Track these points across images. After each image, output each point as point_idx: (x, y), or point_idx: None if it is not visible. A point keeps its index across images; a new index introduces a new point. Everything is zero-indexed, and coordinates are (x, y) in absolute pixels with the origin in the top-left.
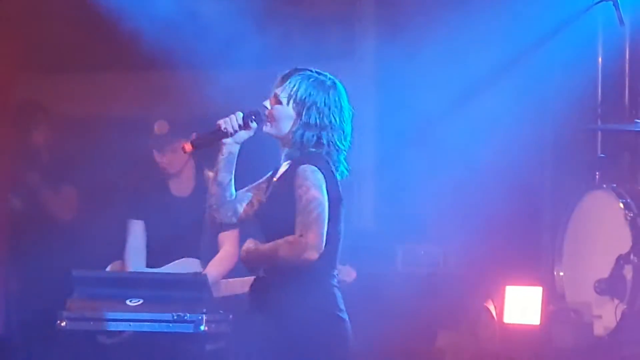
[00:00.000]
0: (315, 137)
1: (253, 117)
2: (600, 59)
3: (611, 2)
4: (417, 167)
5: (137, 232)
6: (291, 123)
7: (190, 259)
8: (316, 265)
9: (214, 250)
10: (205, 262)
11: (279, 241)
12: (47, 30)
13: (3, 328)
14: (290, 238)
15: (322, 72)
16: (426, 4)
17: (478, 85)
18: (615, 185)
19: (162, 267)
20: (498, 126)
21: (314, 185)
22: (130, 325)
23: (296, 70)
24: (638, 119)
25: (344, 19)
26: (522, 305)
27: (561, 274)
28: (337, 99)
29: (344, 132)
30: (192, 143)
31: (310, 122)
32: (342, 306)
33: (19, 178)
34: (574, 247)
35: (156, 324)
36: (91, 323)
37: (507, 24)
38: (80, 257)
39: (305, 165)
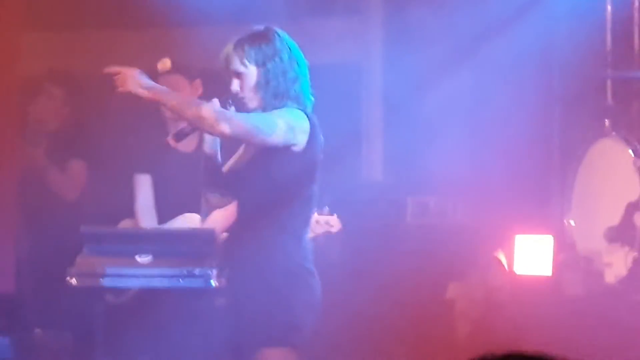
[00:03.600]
0: (286, 91)
1: (230, 102)
2: (609, 6)
3: None
4: (424, 118)
5: (145, 187)
6: (262, 88)
7: (191, 214)
8: (286, 217)
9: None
10: (204, 218)
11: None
12: None
13: (14, 286)
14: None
15: (253, 28)
16: None
17: (486, 34)
18: (624, 132)
19: (166, 223)
20: (506, 75)
21: (297, 121)
22: (140, 281)
23: (236, 43)
24: None
25: None
26: (532, 254)
27: (571, 222)
28: (285, 44)
29: (305, 79)
30: (174, 137)
31: (276, 79)
32: (311, 259)
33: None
34: (583, 196)
35: (166, 280)
36: (100, 279)
37: None
38: (90, 214)
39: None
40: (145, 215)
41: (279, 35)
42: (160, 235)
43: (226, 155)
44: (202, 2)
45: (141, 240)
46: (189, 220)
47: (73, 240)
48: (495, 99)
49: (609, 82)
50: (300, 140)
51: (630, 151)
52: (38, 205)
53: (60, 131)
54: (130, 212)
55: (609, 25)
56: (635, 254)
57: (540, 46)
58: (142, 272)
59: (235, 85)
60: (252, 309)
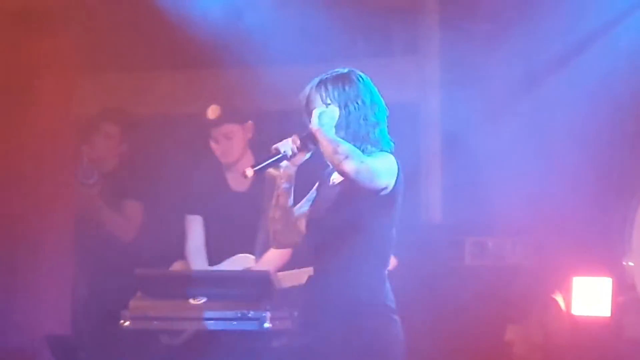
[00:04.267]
0: (367, 135)
1: (310, 139)
2: None
3: None
4: (483, 158)
5: (196, 228)
6: (342, 130)
7: (245, 255)
8: (370, 260)
9: (268, 246)
10: (258, 258)
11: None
12: (106, 30)
13: (71, 328)
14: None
15: (336, 70)
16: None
17: (546, 71)
18: None
19: (219, 264)
20: (566, 113)
21: (387, 159)
22: (193, 324)
23: (318, 82)
24: None
25: (407, 15)
26: (591, 296)
27: (631, 263)
28: (368, 87)
29: (385, 124)
30: (252, 168)
31: (357, 122)
32: (392, 297)
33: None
34: None
35: (220, 322)
36: (154, 322)
37: (575, 8)
38: (144, 256)
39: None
40: (196, 257)
41: (362, 78)
42: (214, 277)
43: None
44: (255, 43)
45: (195, 282)
46: (242, 261)
47: (128, 283)
48: (554, 138)
49: None
50: (392, 183)
51: None
52: (94, 247)
53: (115, 171)
54: (182, 254)
55: None
56: None
57: (601, 82)
58: (196, 314)
59: (312, 121)
60: (340, 351)
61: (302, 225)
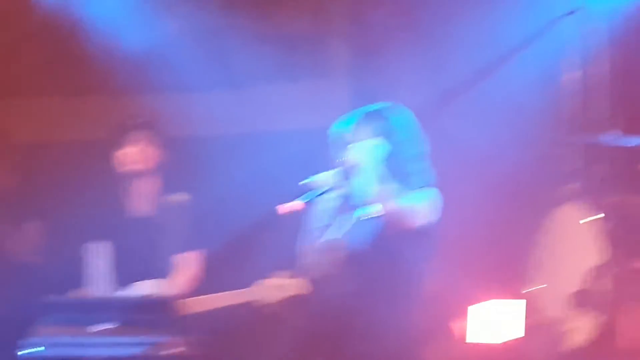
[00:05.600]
0: (404, 168)
1: (346, 173)
2: (573, 72)
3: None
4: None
5: (99, 255)
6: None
7: (151, 281)
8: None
9: (173, 271)
10: (164, 283)
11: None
12: (5, 54)
13: None
14: None
15: (381, 104)
16: (398, 23)
17: (455, 94)
18: (590, 197)
19: (124, 290)
20: (476, 136)
21: (431, 195)
22: (99, 350)
23: (360, 114)
24: (610, 131)
25: (317, 40)
26: (501, 320)
27: (537, 288)
28: (410, 124)
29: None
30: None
31: (396, 156)
32: None
33: None
34: (550, 260)
35: (125, 348)
36: (60, 349)
37: (482, 35)
38: (50, 283)
39: None
40: (100, 284)
41: (402, 113)
42: (118, 303)
43: None
44: (176, 69)
45: (100, 308)
46: (149, 286)
47: (34, 309)
48: (465, 161)
49: (578, 147)
50: (434, 218)
51: (596, 216)
52: None
53: (14, 193)
54: (86, 281)
55: (579, 89)
56: (600, 317)
57: (511, 107)
58: (103, 341)
59: (351, 155)
60: None
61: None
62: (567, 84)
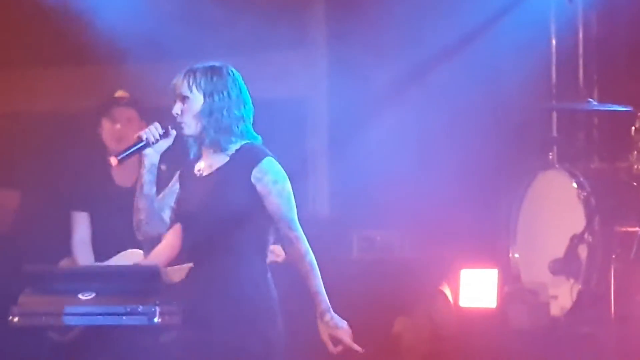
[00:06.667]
0: (229, 127)
1: (170, 126)
2: (553, 38)
3: None
4: (370, 151)
5: (82, 225)
6: (205, 118)
7: (134, 250)
8: (249, 252)
9: (156, 241)
10: (147, 253)
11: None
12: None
13: None
14: (297, 246)
15: (208, 62)
16: None
17: (430, 66)
18: (568, 164)
19: (108, 260)
20: (450, 106)
21: (286, 179)
22: (83, 319)
23: (188, 69)
24: (591, 98)
25: (294, 9)
26: (477, 288)
27: (516, 255)
28: (237, 82)
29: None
30: (116, 157)
31: (220, 113)
32: (274, 293)
33: None
34: (528, 228)
35: (109, 317)
36: (43, 318)
37: (459, 3)
38: (31, 253)
39: (269, 158)
40: (83, 253)
41: (232, 73)
42: (103, 272)
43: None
44: (153, 39)
45: (84, 278)
46: (132, 257)
47: (16, 279)
48: (440, 131)
49: (554, 114)
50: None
51: (574, 183)
52: None
53: None
54: (69, 250)
55: (554, 57)
56: (580, 286)
57: (486, 77)
58: (85, 309)
59: (177, 108)
60: (224, 346)
61: (167, 216)
62: (545, 52)
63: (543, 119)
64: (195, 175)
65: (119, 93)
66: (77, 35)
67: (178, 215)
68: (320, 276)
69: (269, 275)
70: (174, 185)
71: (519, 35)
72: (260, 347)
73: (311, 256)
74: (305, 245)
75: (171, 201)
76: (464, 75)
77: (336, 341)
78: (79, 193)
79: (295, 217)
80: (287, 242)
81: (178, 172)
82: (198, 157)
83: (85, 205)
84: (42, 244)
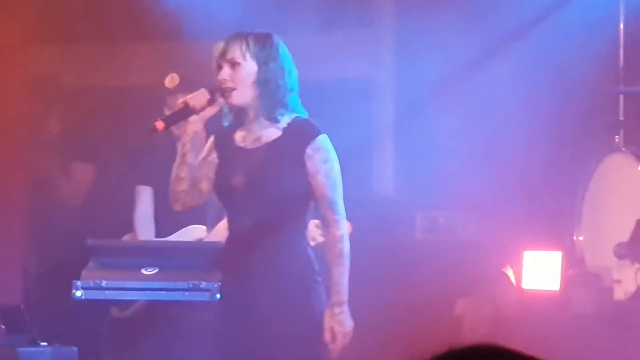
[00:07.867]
0: (282, 99)
1: (219, 93)
2: (622, 21)
3: None
4: (435, 133)
5: (146, 199)
6: (260, 87)
7: (197, 226)
8: (296, 230)
9: (220, 216)
10: (210, 229)
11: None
12: (63, 1)
13: (21, 299)
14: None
15: (254, 30)
16: None
17: (497, 48)
18: (635, 148)
19: (170, 235)
20: (518, 89)
21: (336, 160)
22: (145, 294)
23: (238, 34)
24: None
25: None
26: (541, 270)
27: (580, 238)
28: (285, 53)
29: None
30: (163, 121)
31: (276, 82)
32: (317, 268)
33: (34, 160)
34: (593, 211)
35: (171, 293)
36: (106, 292)
37: None
38: (96, 227)
39: (324, 136)
40: (145, 228)
41: (281, 44)
42: (166, 247)
43: None
44: (209, 16)
45: (147, 253)
46: (194, 232)
47: (79, 253)
48: (507, 114)
49: (620, 98)
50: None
51: (636, 167)
52: (45, 216)
53: (65, 134)
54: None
55: (621, 40)
56: None
57: (552, 60)
58: (148, 285)
59: (225, 73)
60: (268, 320)
61: (204, 187)
62: (613, 35)
63: (610, 102)
64: (238, 146)
65: (169, 80)
66: (149, 12)
67: (219, 188)
68: (348, 267)
69: (309, 249)
70: (210, 155)
71: (587, 17)
72: (308, 323)
73: (345, 244)
74: (342, 231)
75: (209, 172)
76: (531, 58)
77: (333, 336)
78: (145, 167)
79: (340, 199)
80: (324, 224)
81: (211, 141)
82: (235, 127)
83: (150, 180)
84: (108, 218)
